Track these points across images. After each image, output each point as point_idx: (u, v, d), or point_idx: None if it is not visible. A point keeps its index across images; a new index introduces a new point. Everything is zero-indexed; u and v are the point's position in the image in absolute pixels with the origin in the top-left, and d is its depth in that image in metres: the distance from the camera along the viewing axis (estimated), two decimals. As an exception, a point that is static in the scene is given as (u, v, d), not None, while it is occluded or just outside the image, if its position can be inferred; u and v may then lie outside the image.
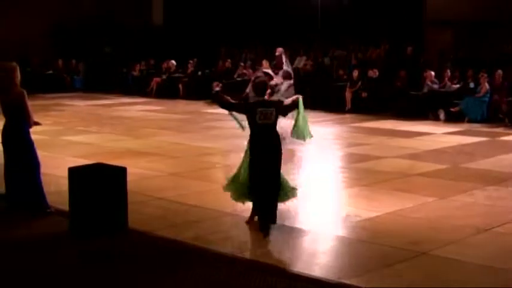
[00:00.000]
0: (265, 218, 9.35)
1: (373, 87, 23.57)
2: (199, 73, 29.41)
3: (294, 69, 27.16)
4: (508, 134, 18.25)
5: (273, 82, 15.07)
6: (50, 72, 31.61)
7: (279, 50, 17.08)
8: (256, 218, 9.57)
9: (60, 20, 31.80)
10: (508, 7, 25.52)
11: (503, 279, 7.52)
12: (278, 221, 9.53)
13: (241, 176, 9.72)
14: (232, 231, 9.42)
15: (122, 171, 9.19)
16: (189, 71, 29.49)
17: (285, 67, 17.81)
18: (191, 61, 29.63)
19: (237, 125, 10.01)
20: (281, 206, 9.66)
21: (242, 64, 28.33)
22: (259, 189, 9.38)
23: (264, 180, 9.32)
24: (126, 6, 33.03)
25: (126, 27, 32.59)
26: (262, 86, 9.88)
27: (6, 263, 8.01)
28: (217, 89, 9.82)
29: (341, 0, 26.76)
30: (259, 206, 9.50)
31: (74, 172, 9.11)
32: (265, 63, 25.73)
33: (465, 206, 10.72)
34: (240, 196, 9.81)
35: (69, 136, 17.75)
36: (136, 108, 24.79)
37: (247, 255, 8.35)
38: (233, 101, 9.79)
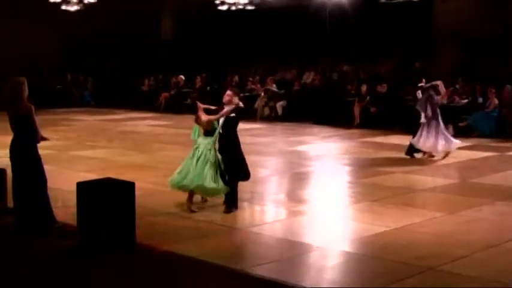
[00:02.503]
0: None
1: (381, 102, 23.57)
2: (208, 88, 29.46)
3: (302, 85, 27.31)
4: (517, 149, 18.26)
5: None
6: (59, 87, 31.73)
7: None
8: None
9: (70, 35, 31.91)
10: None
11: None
12: (287, 236, 9.53)
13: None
14: (241, 247, 9.41)
15: (130, 186, 9.20)
16: (197, 85, 29.54)
17: None
18: (199, 76, 29.69)
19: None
20: (287, 222, 9.66)
21: (251, 79, 28.38)
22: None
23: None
24: (136, 22, 33.12)
25: (136, 42, 32.70)
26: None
27: (11, 279, 8.01)
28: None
29: (349, 15, 26.72)
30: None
31: (82, 187, 9.11)
32: (270, 80, 25.90)
33: (473, 221, 10.69)
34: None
35: (77, 151, 17.78)
36: (145, 123, 24.83)
37: (256, 270, 8.31)
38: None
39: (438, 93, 16.78)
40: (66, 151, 17.68)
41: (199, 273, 8.20)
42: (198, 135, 11.70)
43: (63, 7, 26.58)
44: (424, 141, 16.34)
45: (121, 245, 8.85)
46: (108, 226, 8.77)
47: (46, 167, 10.02)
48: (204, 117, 11.61)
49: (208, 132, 11.56)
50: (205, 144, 11.41)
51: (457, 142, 16.69)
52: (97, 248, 8.72)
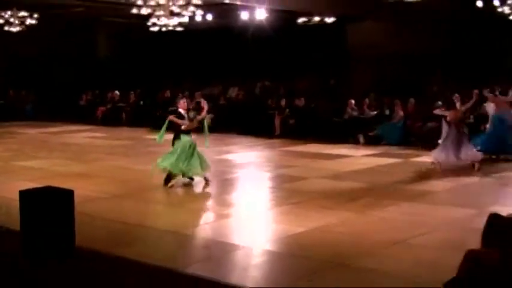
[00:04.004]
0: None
1: (299, 114, 23.79)
2: (141, 102, 29.32)
3: (227, 99, 27.40)
4: (420, 155, 18.47)
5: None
6: (1, 102, 31.18)
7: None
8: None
9: (13, 54, 31.40)
10: (419, 43, 26.08)
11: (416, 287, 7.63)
12: (216, 237, 9.62)
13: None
14: (174, 248, 9.39)
15: (69, 193, 9.09)
16: (132, 100, 29.39)
17: None
18: (133, 92, 29.55)
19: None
20: (216, 224, 9.67)
21: (180, 94, 28.29)
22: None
23: None
24: (74, 41, 32.74)
25: (74, 59, 32.34)
26: None
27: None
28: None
29: (270, 35, 26.90)
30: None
31: (24, 195, 8.97)
32: (198, 95, 26.10)
33: (382, 221, 10.85)
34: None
35: (19, 161, 17.48)
36: (83, 135, 24.54)
37: (189, 270, 8.31)
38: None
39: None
40: (9, 162, 17.39)
41: (136, 274, 8.15)
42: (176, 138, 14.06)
43: (6, 28, 26.13)
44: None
45: (61, 249, 8.73)
46: (49, 231, 8.63)
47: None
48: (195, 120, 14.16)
49: (190, 131, 14.11)
50: (192, 140, 14.07)
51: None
52: (38, 252, 8.59)
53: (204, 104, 14.76)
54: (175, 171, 13.87)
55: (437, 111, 17.09)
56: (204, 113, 14.42)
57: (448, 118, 16.13)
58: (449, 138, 15.84)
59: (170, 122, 14.06)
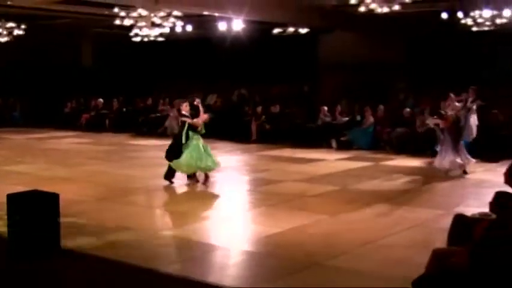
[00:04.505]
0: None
1: (275, 120, 23.80)
2: (124, 109, 29.21)
3: (206, 106, 27.35)
4: (389, 159, 18.60)
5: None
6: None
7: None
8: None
9: (2, 62, 31.15)
10: (385, 53, 26.24)
11: (385, 284, 7.64)
12: (195, 238, 9.61)
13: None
14: (155, 248, 9.33)
15: (55, 197, 9.01)
16: (115, 107, 29.27)
17: None
18: (116, 99, 29.43)
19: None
20: (195, 225, 9.63)
21: (162, 101, 28.24)
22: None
23: None
24: (60, 50, 32.56)
25: (60, 68, 32.15)
26: None
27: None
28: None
29: (247, 45, 26.93)
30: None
31: (12, 198, 8.89)
32: (178, 102, 26.06)
33: (354, 222, 10.87)
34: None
35: (7, 166, 17.29)
36: (68, 141, 24.35)
37: (169, 269, 8.27)
38: None
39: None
40: (-3, 166, 17.24)
41: (119, 274, 8.10)
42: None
43: (-6, 38, 25.97)
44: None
45: (47, 250, 8.66)
46: (36, 233, 8.58)
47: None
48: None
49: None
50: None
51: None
52: (26, 253, 8.51)
53: (199, 104, 14.92)
54: (191, 171, 14.37)
55: (429, 121, 17.06)
56: (203, 114, 14.71)
57: (441, 126, 16.19)
58: (446, 144, 15.79)
59: (189, 125, 14.29)
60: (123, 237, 9.90)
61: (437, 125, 16.44)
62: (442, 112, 16.14)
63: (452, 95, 17.28)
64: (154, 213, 12.16)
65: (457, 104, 16.60)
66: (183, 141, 14.20)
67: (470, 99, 16.88)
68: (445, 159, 15.69)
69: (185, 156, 14.05)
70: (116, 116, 28.78)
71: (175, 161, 14.14)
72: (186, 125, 14.25)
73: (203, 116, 14.58)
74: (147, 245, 9.50)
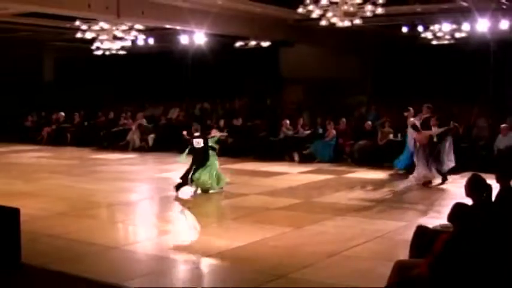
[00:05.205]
0: None
1: (237, 134, 23.76)
2: (85, 123, 28.97)
3: (168, 119, 27.30)
4: (351, 172, 18.67)
5: None
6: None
7: None
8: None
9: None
10: (346, 67, 26.47)
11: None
12: (157, 252, 9.47)
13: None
14: (117, 263, 9.22)
15: (15, 212, 8.88)
16: (76, 121, 29.02)
17: None
18: (77, 113, 29.18)
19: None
20: (157, 240, 9.53)
21: (124, 115, 28.06)
22: None
23: None
24: (21, 64, 32.23)
25: (21, 82, 31.78)
26: None
27: None
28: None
29: (209, 58, 26.95)
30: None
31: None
32: (140, 116, 26.05)
33: (317, 234, 10.87)
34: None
35: (-34, 181, 17.01)
36: (29, 155, 24.04)
37: (131, 284, 8.16)
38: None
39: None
40: (-45, 181, 16.93)
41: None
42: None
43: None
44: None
45: (8, 265, 8.51)
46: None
47: None
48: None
49: None
50: None
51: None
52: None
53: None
54: (207, 186, 15.04)
55: (411, 122, 17.04)
56: (216, 132, 16.39)
57: (416, 138, 16.39)
58: (420, 157, 16.06)
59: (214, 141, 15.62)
60: (84, 252, 9.76)
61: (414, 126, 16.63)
62: (417, 125, 16.37)
63: (411, 109, 17.49)
64: (116, 228, 12.03)
65: (411, 119, 16.92)
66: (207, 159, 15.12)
67: (423, 117, 17.01)
68: (418, 172, 16.07)
69: (209, 173, 14.97)
70: (78, 129, 28.52)
71: (202, 178, 14.91)
72: (215, 144, 15.60)
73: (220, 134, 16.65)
74: (109, 260, 9.39)
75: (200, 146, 15.11)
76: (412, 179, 16.37)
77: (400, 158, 18.17)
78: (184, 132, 15.59)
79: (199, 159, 15.01)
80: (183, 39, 25.30)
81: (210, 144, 15.29)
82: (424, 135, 16.09)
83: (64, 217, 12.43)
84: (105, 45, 22.72)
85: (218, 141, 15.99)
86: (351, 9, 17.29)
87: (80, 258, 9.44)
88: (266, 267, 8.85)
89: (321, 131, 22.42)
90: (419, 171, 16.10)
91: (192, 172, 14.87)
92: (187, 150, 15.39)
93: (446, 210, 6.41)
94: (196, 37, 24.47)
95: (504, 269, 6.22)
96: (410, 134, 17.25)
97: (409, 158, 17.40)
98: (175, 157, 22.81)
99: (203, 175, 14.91)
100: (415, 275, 6.28)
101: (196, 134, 15.27)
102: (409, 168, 17.17)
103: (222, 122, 24.35)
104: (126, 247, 10.17)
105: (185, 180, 14.90)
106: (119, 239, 11.02)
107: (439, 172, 16.11)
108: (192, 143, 15.19)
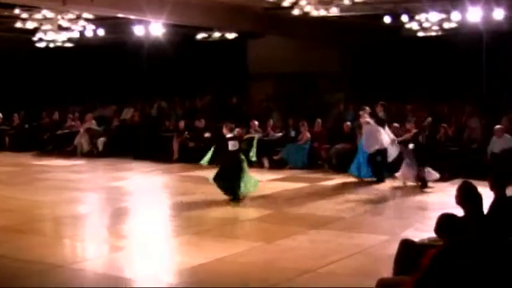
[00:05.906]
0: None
1: (199, 137, 23.69)
2: (26, 125, 28.71)
3: (121, 121, 27.18)
4: (327, 179, 18.73)
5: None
6: None
7: None
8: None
9: None
10: (322, 61, 26.55)
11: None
12: (108, 271, 9.49)
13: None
14: (63, 284, 9.15)
15: None
16: (15, 123, 28.75)
17: None
18: (17, 114, 28.89)
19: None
20: (108, 257, 9.48)
21: (71, 116, 27.85)
22: None
23: None
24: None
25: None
26: None
27: None
28: None
29: (167, 52, 26.86)
30: None
31: None
32: (88, 117, 25.95)
33: (289, 250, 10.87)
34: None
35: None
36: (-39, 162, 23.79)
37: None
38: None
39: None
40: None
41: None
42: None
43: None
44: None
45: None
46: None
47: None
48: None
49: None
50: None
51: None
52: None
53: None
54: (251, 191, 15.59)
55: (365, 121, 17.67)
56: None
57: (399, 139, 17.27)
58: (406, 160, 16.89)
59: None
60: (27, 271, 9.68)
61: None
62: (408, 126, 16.99)
63: (367, 108, 17.92)
64: (63, 244, 11.94)
65: (367, 119, 17.44)
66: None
67: (380, 114, 17.58)
68: (408, 174, 16.80)
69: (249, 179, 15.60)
70: (17, 132, 28.26)
71: (247, 186, 15.44)
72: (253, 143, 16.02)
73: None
74: (54, 280, 9.32)
75: (235, 149, 15.43)
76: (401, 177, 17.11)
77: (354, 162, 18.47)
78: (207, 134, 15.68)
79: (234, 165, 15.36)
80: (138, 30, 25.13)
81: (247, 147, 15.84)
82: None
83: (4, 232, 12.30)
84: (49, 37, 22.54)
85: (252, 143, 16.15)
86: (327, -4, 17.39)
87: (25, 279, 9.37)
88: (232, 285, 8.83)
89: (293, 133, 22.47)
90: (405, 171, 16.76)
91: (234, 185, 15.23)
92: (211, 153, 15.92)
93: (434, 222, 6.44)
94: (152, 28, 24.32)
95: (498, 287, 6.26)
96: (366, 134, 17.66)
97: (363, 163, 17.87)
98: (128, 163, 22.81)
99: (248, 183, 15.47)
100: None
101: (230, 135, 15.61)
102: (368, 176, 17.99)
103: (182, 124, 24.29)
104: (73, 265, 10.09)
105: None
106: (66, 256, 10.94)
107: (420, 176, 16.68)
108: (225, 145, 15.56)
